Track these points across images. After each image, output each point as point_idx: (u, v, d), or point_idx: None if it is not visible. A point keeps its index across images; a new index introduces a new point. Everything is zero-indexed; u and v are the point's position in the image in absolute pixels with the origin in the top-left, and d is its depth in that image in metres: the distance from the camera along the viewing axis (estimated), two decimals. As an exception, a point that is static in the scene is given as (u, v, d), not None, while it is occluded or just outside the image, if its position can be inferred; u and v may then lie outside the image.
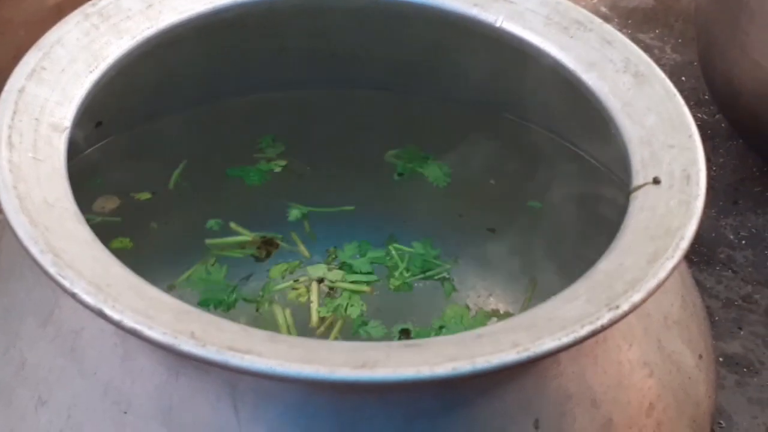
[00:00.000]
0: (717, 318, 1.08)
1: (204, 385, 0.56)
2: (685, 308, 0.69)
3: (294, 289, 0.76)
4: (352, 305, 0.75)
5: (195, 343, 0.52)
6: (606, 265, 0.60)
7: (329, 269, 0.77)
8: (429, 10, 0.77)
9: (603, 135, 0.71)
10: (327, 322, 0.75)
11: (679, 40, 1.43)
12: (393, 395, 0.56)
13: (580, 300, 0.58)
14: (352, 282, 0.76)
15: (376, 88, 0.84)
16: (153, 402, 0.57)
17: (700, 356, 0.69)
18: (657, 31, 1.45)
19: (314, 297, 0.75)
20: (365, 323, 0.74)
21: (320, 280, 0.76)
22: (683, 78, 1.35)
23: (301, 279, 0.76)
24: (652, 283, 0.58)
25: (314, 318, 0.74)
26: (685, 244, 0.60)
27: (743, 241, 1.16)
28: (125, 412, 0.57)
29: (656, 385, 0.64)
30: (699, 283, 1.07)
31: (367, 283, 0.76)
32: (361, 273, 0.76)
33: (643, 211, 0.63)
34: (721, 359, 1.04)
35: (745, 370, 1.04)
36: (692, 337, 0.69)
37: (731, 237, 1.16)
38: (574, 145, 0.79)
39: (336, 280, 0.76)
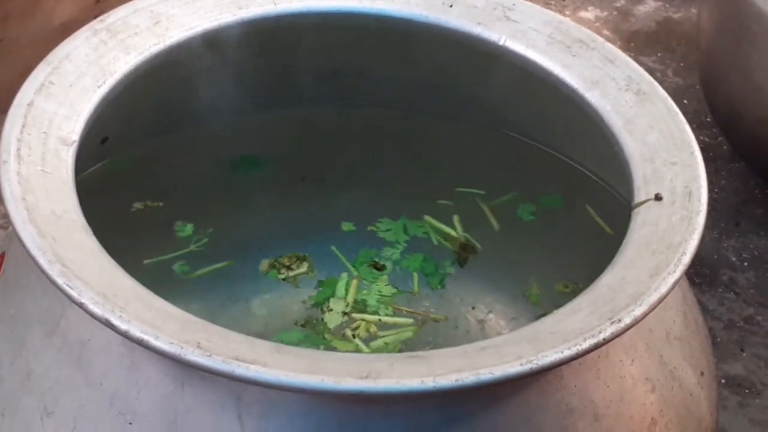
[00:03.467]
0: (719, 339, 1.08)
1: (209, 395, 0.57)
2: (687, 325, 0.70)
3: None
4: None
5: (201, 353, 0.53)
6: (608, 279, 0.61)
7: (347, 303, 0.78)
8: (433, 29, 0.78)
9: (605, 152, 0.71)
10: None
11: (681, 64, 1.44)
12: (397, 407, 0.57)
13: (582, 313, 0.58)
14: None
15: (380, 106, 0.85)
16: (158, 412, 0.57)
17: (702, 373, 0.69)
18: (659, 54, 1.46)
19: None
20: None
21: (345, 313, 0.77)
22: (685, 101, 1.36)
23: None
24: (654, 297, 0.59)
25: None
26: (686, 259, 0.61)
27: (745, 263, 1.17)
28: (130, 423, 0.57)
29: (658, 400, 0.64)
30: (701, 305, 1.07)
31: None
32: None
33: (645, 227, 0.64)
34: (723, 381, 1.04)
35: (747, 391, 1.04)
36: (694, 354, 0.69)
37: (733, 259, 1.17)
38: (576, 162, 0.80)
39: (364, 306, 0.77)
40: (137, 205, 0.80)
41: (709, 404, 0.69)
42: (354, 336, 0.76)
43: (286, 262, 0.80)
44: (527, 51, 0.76)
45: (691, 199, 0.65)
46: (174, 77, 0.74)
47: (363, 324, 0.76)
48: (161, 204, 0.80)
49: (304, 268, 0.80)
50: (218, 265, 0.80)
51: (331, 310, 0.77)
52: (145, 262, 0.78)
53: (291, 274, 0.79)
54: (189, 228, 0.80)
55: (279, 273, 0.80)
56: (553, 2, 1.56)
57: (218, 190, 0.83)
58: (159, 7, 0.73)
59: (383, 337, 0.76)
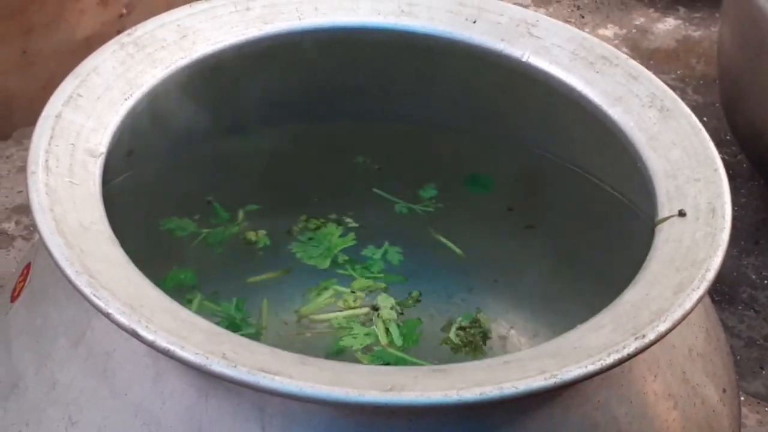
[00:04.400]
0: (739, 357, 1.08)
1: (233, 407, 0.57)
2: (710, 342, 0.70)
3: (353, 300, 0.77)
4: (361, 336, 0.75)
5: (227, 363, 0.53)
6: (632, 295, 0.61)
7: (393, 308, 0.78)
8: (456, 45, 0.79)
9: (628, 169, 0.72)
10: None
11: (701, 82, 1.44)
12: (419, 420, 0.57)
13: (606, 329, 0.58)
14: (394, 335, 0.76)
15: (402, 121, 0.85)
16: (183, 424, 0.57)
17: (724, 390, 0.69)
18: (678, 72, 1.46)
19: (349, 311, 0.76)
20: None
21: (375, 308, 0.77)
22: (705, 119, 1.36)
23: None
24: (678, 314, 0.59)
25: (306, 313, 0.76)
26: (710, 276, 0.61)
27: (765, 281, 1.16)
28: (155, 434, 0.57)
29: (680, 417, 0.64)
30: (721, 322, 1.07)
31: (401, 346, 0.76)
32: (406, 337, 0.77)
33: (668, 243, 0.64)
34: (742, 398, 1.03)
35: (766, 409, 1.04)
36: (716, 371, 0.69)
37: (753, 277, 1.17)
38: (598, 178, 0.80)
39: (388, 319, 0.77)
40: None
41: (732, 421, 0.69)
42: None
43: None
44: (550, 67, 0.76)
45: (714, 215, 0.65)
46: (199, 91, 0.75)
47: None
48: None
49: None
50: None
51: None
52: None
53: None
54: None
55: None
56: (572, 20, 1.56)
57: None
58: (186, 21, 0.74)
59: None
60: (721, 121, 1.31)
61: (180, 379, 0.57)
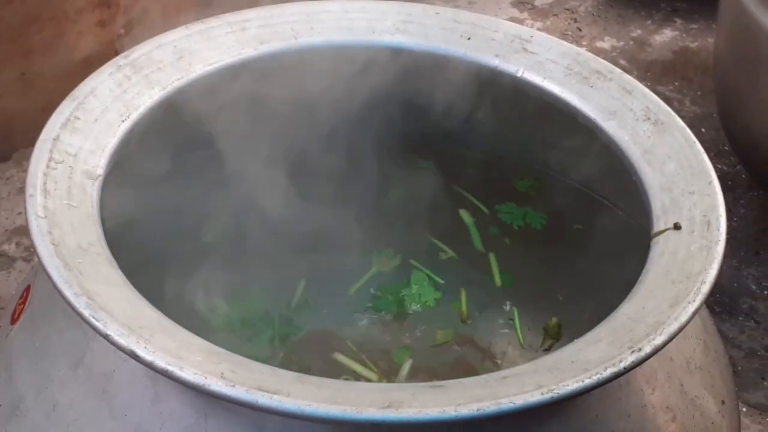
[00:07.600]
0: (740, 368, 1.08)
1: (232, 427, 0.57)
2: (707, 354, 0.70)
3: None
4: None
5: (224, 383, 0.53)
6: (628, 308, 0.61)
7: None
8: (451, 61, 0.79)
9: (623, 182, 0.72)
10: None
11: (698, 93, 1.44)
12: (418, 437, 0.57)
13: (602, 343, 0.59)
14: None
15: (396, 136, 0.85)
16: (182, 443, 0.58)
17: (723, 402, 0.69)
18: (676, 83, 1.47)
19: None
20: None
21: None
22: (703, 129, 1.37)
23: None
24: (674, 327, 0.59)
25: None
26: (706, 288, 0.61)
27: (765, 291, 1.16)
28: (155, 454, 0.58)
29: (679, 429, 0.64)
30: (721, 334, 1.06)
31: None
32: None
33: (664, 256, 0.64)
34: (744, 409, 1.03)
35: (768, 420, 1.04)
36: (715, 383, 0.69)
37: (753, 287, 1.17)
38: (594, 192, 0.80)
39: None
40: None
41: (731, 433, 0.69)
42: None
43: None
44: (545, 82, 0.77)
45: (710, 228, 0.65)
46: (196, 111, 0.75)
47: None
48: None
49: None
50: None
51: None
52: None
53: None
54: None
55: None
56: (569, 33, 1.57)
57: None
58: (182, 42, 0.74)
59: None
60: (720, 132, 1.31)
61: (179, 399, 0.58)
